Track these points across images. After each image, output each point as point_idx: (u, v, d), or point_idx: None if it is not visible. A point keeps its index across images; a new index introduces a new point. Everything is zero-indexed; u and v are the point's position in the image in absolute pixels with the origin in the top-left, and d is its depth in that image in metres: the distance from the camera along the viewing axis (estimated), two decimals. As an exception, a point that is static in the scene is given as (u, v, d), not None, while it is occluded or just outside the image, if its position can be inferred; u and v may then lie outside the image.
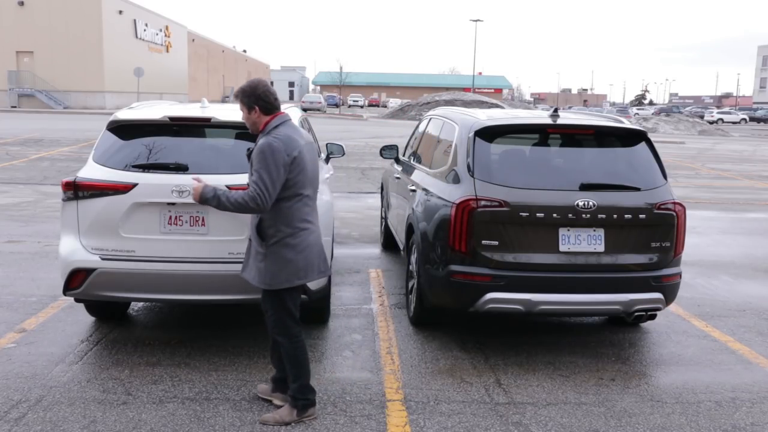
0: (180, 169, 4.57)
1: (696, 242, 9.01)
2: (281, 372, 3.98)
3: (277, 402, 3.99)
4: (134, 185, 4.50)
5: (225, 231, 4.51)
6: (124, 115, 4.95)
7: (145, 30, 53.30)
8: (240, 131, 5.03)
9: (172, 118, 4.72)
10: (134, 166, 4.59)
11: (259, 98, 3.70)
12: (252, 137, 4.98)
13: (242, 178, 4.54)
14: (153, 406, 3.96)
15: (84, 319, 5.40)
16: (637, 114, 62.85)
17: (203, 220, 4.51)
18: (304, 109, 45.27)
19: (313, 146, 3.94)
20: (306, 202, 3.74)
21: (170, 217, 4.53)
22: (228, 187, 4.47)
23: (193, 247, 4.51)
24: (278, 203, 3.63)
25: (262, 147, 3.59)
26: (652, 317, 5.56)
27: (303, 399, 3.85)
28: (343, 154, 7.58)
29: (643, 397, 4.31)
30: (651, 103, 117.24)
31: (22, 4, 44.83)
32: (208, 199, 3.65)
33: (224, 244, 4.52)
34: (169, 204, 4.50)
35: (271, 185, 3.55)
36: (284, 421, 3.81)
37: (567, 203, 4.63)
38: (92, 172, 4.63)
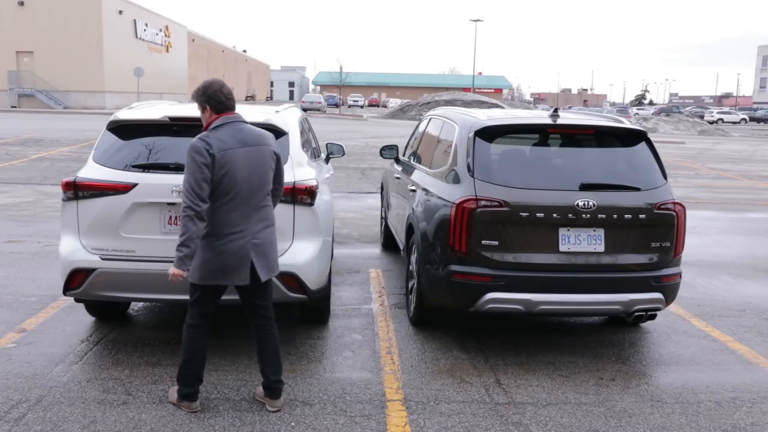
0: (180, 169, 4.56)
1: (696, 242, 9.01)
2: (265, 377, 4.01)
3: (269, 408, 3.98)
4: (134, 185, 4.50)
5: None
6: (124, 115, 4.95)
7: (145, 30, 53.31)
8: None
9: (172, 118, 4.72)
10: (134, 166, 4.59)
11: (210, 98, 3.73)
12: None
13: None
14: (153, 406, 3.96)
15: (84, 319, 5.40)
16: (637, 114, 62.85)
17: None
18: (304, 109, 45.26)
19: (262, 151, 3.78)
20: (235, 207, 3.68)
21: (170, 217, 4.53)
22: None
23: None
24: (210, 203, 3.66)
25: (188, 148, 3.63)
26: (652, 317, 5.56)
27: (180, 386, 3.92)
28: (343, 154, 7.58)
29: (643, 397, 4.31)
30: (651, 103, 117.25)
31: (22, 4, 44.85)
32: (180, 259, 3.63)
33: None
34: (169, 204, 4.51)
35: (195, 185, 3.57)
36: (170, 399, 4.01)
37: (567, 203, 4.63)
38: (92, 172, 4.63)
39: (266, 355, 3.98)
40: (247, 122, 3.85)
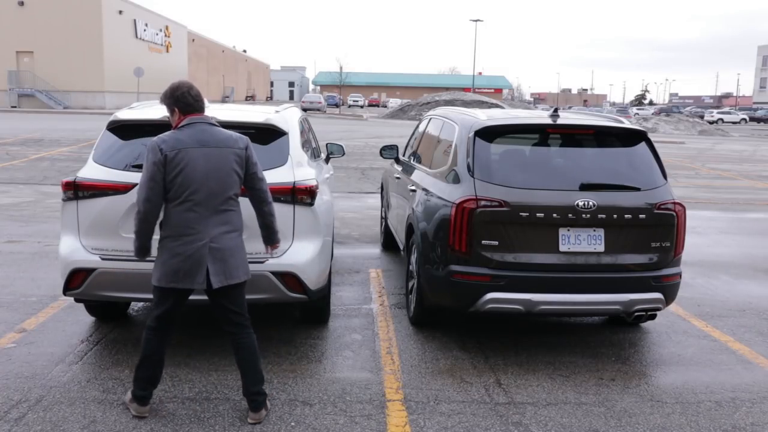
0: None
1: (696, 242, 9.01)
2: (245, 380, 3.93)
3: (249, 420, 3.88)
4: (134, 185, 4.49)
5: None
6: (124, 115, 4.95)
7: (145, 30, 53.32)
8: (240, 131, 5.03)
9: None
10: (134, 166, 4.59)
11: (177, 99, 3.72)
12: (252, 137, 5.00)
13: None
14: (153, 406, 3.96)
15: (84, 319, 5.40)
16: (637, 114, 62.84)
17: None
18: (304, 109, 45.29)
19: (224, 153, 3.67)
20: (192, 209, 3.62)
21: None
22: None
23: None
24: (165, 203, 3.65)
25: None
26: (652, 317, 5.56)
27: (134, 387, 3.88)
28: (343, 154, 7.58)
29: (643, 397, 4.31)
30: (651, 103, 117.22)
31: (22, 4, 44.85)
32: (136, 250, 3.71)
33: None
34: None
35: (143, 184, 3.59)
36: (123, 400, 3.97)
37: (567, 203, 4.63)
38: (92, 172, 4.63)
39: (243, 365, 3.86)
40: (216, 124, 3.77)
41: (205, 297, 4.61)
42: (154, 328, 3.82)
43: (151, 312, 3.85)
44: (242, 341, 3.86)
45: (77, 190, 4.55)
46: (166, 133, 3.71)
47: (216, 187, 3.66)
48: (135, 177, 4.52)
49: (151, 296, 4.82)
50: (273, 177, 4.62)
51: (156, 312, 3.82)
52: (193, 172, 3.59)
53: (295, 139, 5.03)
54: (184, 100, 3.71)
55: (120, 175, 4.54)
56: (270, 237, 3.96)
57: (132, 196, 4.49)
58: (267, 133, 4.91)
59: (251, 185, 3.84)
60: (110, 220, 4.50)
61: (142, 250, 3.73)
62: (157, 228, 3.71)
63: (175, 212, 3.64)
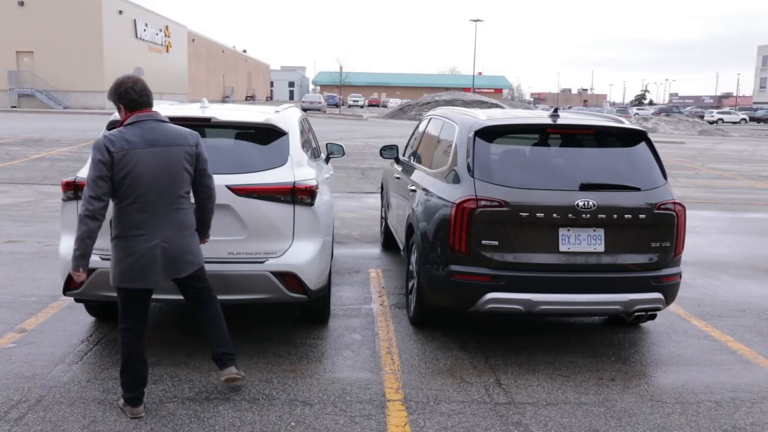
0: None
1: (696, 242, 9.01)
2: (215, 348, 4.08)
3: (222, 377, 4.08)
4: None
5: (225, 231, 4.51)
6: None
7: (145, 30, 53.32)
8: (240, 131, 5.04)
9: (171, 118, 4.71)
10: None
11: (121, 96, 3.65)
12: (252, 137, 5.00)
13: (242, 178, 4.55)
14: (153, 406, 3.96)
15: (84, 319, 5.39)
16: (637, 114, 62.83)
17: None
18: (304, 109, 45.29)
19: (174, 152, 3.64)
20: (141, 209, 3.61)
21: None
22: (228, 187, 4.48)
23: None
24: (113, 203, 3.63)
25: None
26: (652, 317, 5.56)
27: (124, 390, 3.87)
28: (343, 154, 7.58)
29: (643, 397, 4.31)
30: (651, 103, 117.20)
31: (22, 4, 44.84)
32: (73, 258, 3.59)
33: (224, 244, 4.52)
34: None
35: (91, 183, 3.53)
36: (118, 405, 3.94)
37: (567, 203, 4.63)
38: None
39: (209, 328, 4.05)
40: (165, 120, 3.71)
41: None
42: (128, 329, 3.82)
43: (119, 314, 3.84)
44: (207, 311, 4.04)
45: (77, 190, 4.55)
46: (113, 131, 3.65)
47: (165, 187, 3.63)
48: None
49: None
50: (273, 177, 4.63)
51: (122, 313, 3.82)
52: (142, 174, 3.56)
53: (295, 139, 5.03)
54: (128, 96, 3.63)
55: None
56: (203, 231, 4.05)
57: None
58: (267, 133, 4.91)
59: (200, 182, 3.86)
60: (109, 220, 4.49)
61: (83, 257, 3.56)
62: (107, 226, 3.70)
63: (125, 212, 3.62)
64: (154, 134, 3.63)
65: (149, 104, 3.71)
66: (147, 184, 3.58)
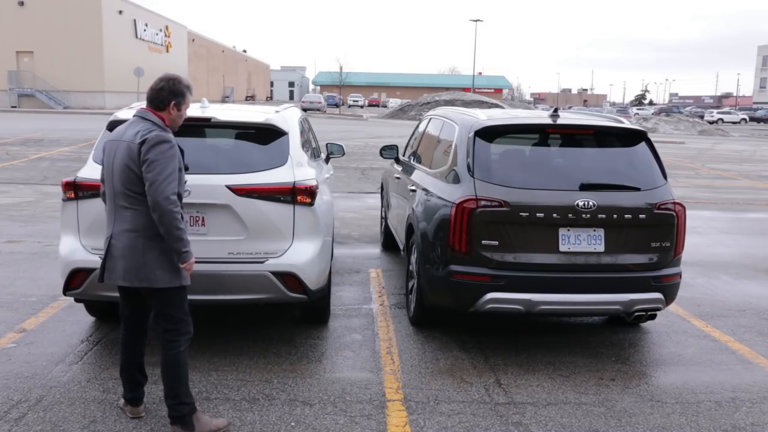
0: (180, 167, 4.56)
1: (696, 242, 9.01)
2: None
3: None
4: None
5: (225, 231, 4.51)
6: (124, 114, 4.94)
7: (145, 30, 53.32)
8: (240, 131, 5.04)
9: None
10: None
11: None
12: (252, 137, 5.00)
13: (242, 178, 4.55)
14: (153, 406, 3.96)
15: (84, 319, 5.39)
16: (637, 114, 62.83)
17: (203, 219, 4.51)
18: (304, 109, 45.28)
19: (121, 147, 3.48)
20: (107, 201, 3.63)
21: None
22: (228, 187, 4.48)
23: (193, 247, 4.49)
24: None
25: None
26: (652, 317, 5.56)
27: (123, 391, 3.87)
28: (343, 154, 7.58)
29: (643, 397, 4.31)
30: (651, 103, 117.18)
31: (22, 4, 44.85)
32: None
33: (224, 244, 4.53)
34: None
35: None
36: (119, 405, 3.89)
37: (567, 203, 4.63)
38: (92, 172, 4.63)
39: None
40: (146, 118, 3.52)
41: (201, 297, 4.63)
42: (122, 329, 3.83)
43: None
44: (162, 350, 3.63)
45: (77, 190, 4.55)
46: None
47: (115, 182, 3.53)
48: None
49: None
50: (273, 177, 4.63)
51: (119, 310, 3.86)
52: (105, 164, 3.61)
53: (295, 139, 5.03)
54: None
55: None
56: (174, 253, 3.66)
57: None
58: (267, 133, 4.91)
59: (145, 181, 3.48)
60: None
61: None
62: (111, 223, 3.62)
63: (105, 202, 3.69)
64: (122, 128, 3.61)
65: (148, 102, 3.63)
66: (107, 174, 3.59)
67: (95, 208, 4.54)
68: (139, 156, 3.40)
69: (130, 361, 3.80)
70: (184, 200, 4.40)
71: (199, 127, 4.88)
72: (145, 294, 3.62)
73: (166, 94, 3.55)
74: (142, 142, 3.40)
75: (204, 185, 4.47)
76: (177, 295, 3.60)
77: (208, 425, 3.66)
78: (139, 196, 3.47)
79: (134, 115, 3.61)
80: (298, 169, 4.77)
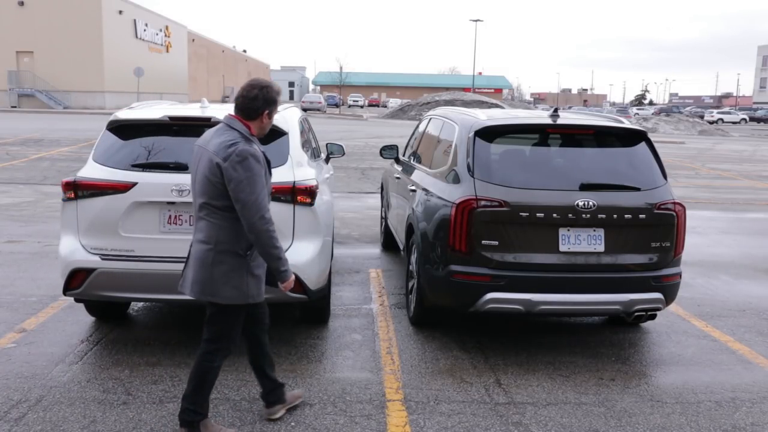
0: (180, 168, 4.57)
1: (696, 242, 9.01)
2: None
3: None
4: (134, 184, 4.50)
5: None
6: (124, 114, 4.95)
7: (145, 30, 53.31)
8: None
9: (172, 118, 4.72)
10: (134, 166, 4.59)
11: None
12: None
13: None
14: (153, 406, 3.96)
15: (84, 319, 5.39)
16: (637, 114, 62.82)
17: None
18: (304, 109, 45.28)
19: (204, 156, 3.36)
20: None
21: (170, 217, 4.54)
22: None
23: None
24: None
25: None
26: (652, 317, 5.56)
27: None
28: (343, 154, 7.58)
29: (643, 397, 4.31)
30: (651, 103, 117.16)
31: (22, 4, 44.83)
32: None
33: None
34: (168, 203, 4.51)
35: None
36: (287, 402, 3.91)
37: (567, 203, 4.63)
38: (92, 171, 4.63)
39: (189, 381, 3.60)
40: (233, 127, 3.39)
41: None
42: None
43: None
44: (196, 359, 3.57)
45: (77, 190, 4.55)
46: None
47: (196, 189, 3.44)
48: (135, 176, 4.53)
49: (149, 296, 4.86)
50: (273, 177, 4.62)
51: None
52: (191, 170, 3.53)
53: (295, 139, 5.03)
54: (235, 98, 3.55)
55: (120, 175, 4.54)
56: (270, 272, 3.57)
57: (132, 196, 4.48)
58: (267, 133, 4.90)
59: (232, 194, 3.33)
60: (110, 219, 4.50)
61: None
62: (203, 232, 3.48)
63: None
64: (208, 133, 3.48)
65: (236, 108, 3.47)
66: (192, 181, 3.49)
67: (95, 207, 4.54)
68: (220, 171, 3.26)
69: (262, 374, 3.83)
70: (182, 200, 4.42)
71: (199, 126, 4.87)
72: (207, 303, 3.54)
73: (261, 104, 3.42)
74: (225, 158, 3.25)
75: None
76: (235, 314, 3.50)
77: None
78: (217, 210, 3.36)
79: (222, 121, 3.47)
80: (298, 169, 4.77)
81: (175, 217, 4.52)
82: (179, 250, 4.49)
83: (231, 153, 3.25)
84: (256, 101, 3.42)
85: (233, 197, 3.28)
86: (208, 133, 3.51)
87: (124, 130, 4.81)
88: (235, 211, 3.31)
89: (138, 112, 5.01)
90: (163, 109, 5.03)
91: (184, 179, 4.41)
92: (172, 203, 4.50)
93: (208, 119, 4.79)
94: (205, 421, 3.60)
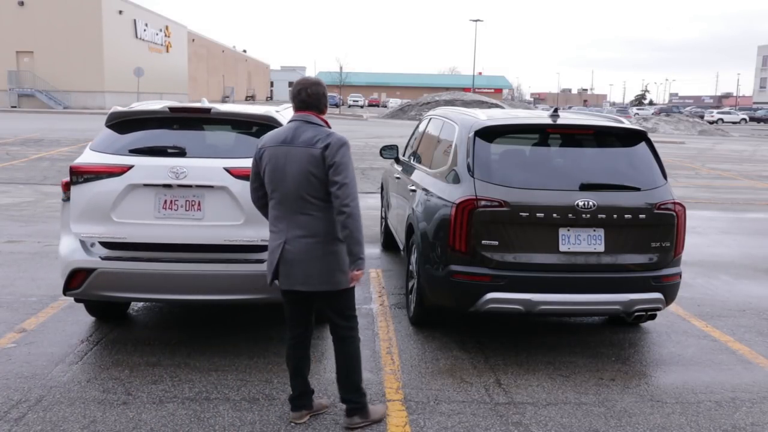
0: (178, 153, 4.55)
1: (696, 242, 9.01)
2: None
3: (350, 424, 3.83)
4: (130, 167, 4.45)
5: (221, 217, 4.46)
6: (125, 108, 4.93)
7: (145, 30, 53.32)
8: (240, 124, 5.01)
9: (172, 109, 4.72)
10: (131, 151, 4.56)
11: (293, 97, 3.77)
12: (251, 131, 4.98)
13: (239, 163, 4.48)
14: (153, 406, 3.96)
15: (84, 319, 5.39)
16: (637, 114, 62.83)
17: (199, 204, 4.47)
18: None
19: (300, 153, 3.52)
20: (275, 206, 3.64)
21: (165, 201, 4.47)
22: (226, 169, 4.46)
23: (188, 233, 4.46)
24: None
25: None
26: (652, 317, 5.56)
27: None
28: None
29: (643, 397, 4.31)
30: (651, 103, 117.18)
31: (22, 4, 44.85)
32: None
33: (220, 230, 4.47)
34: (165, 186, 4.45)
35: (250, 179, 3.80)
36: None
37: (567, 203, 4.63)
38: (88, 157, 4.59)
39: (337, 369, 3.82)
40: (313, 122, 3.60)
41: (200, 297, 4.63)
42: (290, 337, 3.85)
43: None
44: (339, 346, 3.79)
45: (72, 176, 4.51)
46: (271, 131, 3.78)
47: (291, 188, 3.56)
48: (131, 160, 4.48)
49: (149, 296, 4.84)
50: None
51: (287, 316, 3.85)
52: (273, 170, 3.59)
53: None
54: (292, 97, 3.72)
55: (116, 159, 4.50)
56: (349, 256, 3.66)
57: (127, 179, 4.42)
58: (266, 128, 4.90)
59: (331, 184, 3.53)
60: (103, 204, 4.43)
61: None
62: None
63: (270, 207, 3.71)
64: (293, 133, 3.59)
65: (305, 107, 3.65)
66: (276, 181, 3.60)
67: (89, 192, 4.46)
68: (323, 161, 3.49)
69: (298, 374, 3.86)
70: (178, 182, 4.41)
71: (199, 119, 4.87)
72: (319, 297, 3.70)
73: (323, 98, 3.68)
74: (326, 147, 3.50)
75: (202, 167, 4.46)
76: (351, 293, 3.76)
77: (376, 412, 3.86)
78: (320, 202, 3.56)
79: (294, 119, 3.65)
80: None
81: (171, 201, 4.46)
82: (174, 236, 4.46)
83: (331, 141, 3.52)
84: (320, 96, 3.67)
85: (332, 180, 3.49)
86: (281, 133, 3.64)
87: (125, 122, 4.79)
88: (330, 201, 3.53)
89: (138, 105, 5.02)
90: (163, 101, 5.03)
91: (182, 163, 4.41)
92: (169, 186, 4.43)
93: (208, 110, 4.78)
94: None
